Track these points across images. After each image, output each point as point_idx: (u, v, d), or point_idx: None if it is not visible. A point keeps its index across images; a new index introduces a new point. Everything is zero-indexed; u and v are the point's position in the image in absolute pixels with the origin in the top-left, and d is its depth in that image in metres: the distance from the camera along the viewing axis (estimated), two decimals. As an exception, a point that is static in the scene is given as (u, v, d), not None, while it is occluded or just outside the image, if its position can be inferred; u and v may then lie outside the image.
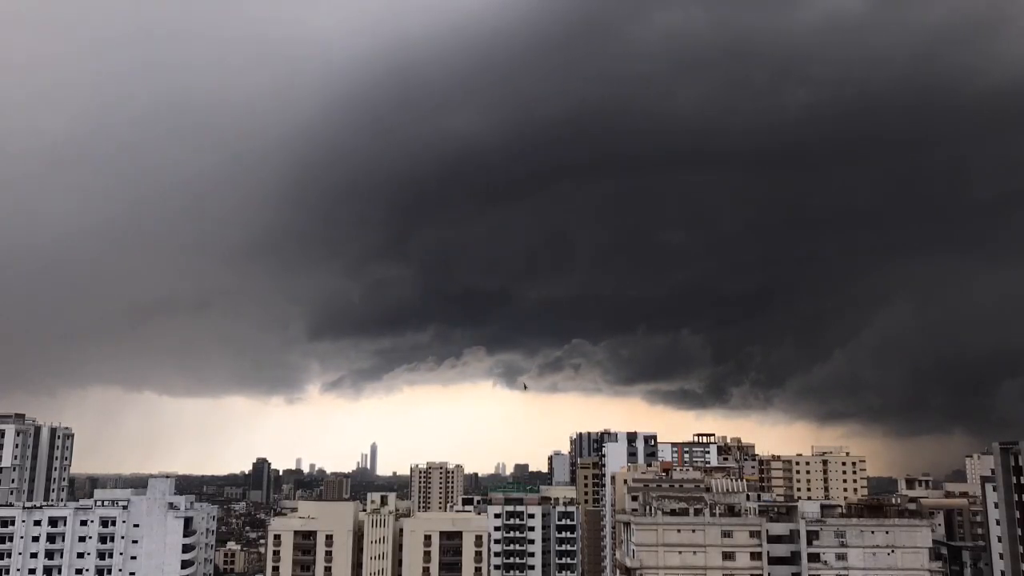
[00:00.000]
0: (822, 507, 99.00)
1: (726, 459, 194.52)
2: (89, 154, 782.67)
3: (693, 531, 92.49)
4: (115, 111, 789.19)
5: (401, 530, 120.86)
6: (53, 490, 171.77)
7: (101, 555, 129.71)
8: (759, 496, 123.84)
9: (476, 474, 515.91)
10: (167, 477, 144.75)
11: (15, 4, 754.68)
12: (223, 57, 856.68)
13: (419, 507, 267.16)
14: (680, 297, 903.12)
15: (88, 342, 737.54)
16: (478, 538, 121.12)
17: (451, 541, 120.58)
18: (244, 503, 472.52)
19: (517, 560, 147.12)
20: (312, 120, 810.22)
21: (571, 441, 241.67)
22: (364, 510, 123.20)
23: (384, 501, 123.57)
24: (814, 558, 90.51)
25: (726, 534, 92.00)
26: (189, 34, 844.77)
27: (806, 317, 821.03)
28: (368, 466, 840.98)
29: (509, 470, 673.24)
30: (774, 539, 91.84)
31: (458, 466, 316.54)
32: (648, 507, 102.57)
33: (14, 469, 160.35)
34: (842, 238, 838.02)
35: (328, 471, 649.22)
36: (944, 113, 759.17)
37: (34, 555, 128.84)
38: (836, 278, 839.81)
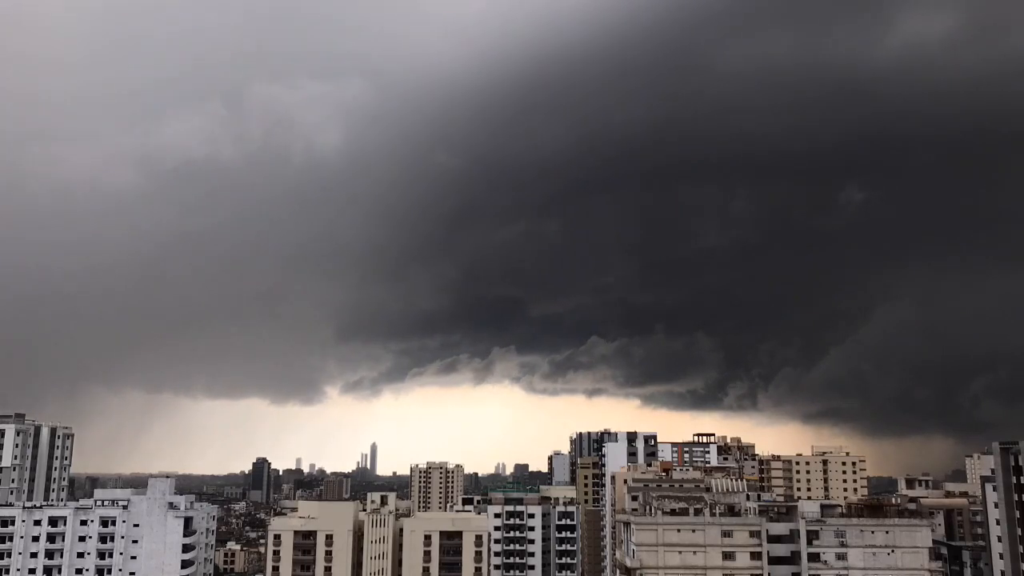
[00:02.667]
0: (822, 507, 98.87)
1: (726, 459, 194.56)
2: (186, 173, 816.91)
3: (693, 531, 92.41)
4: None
5: (401, 530, 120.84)
6: (53, 490, 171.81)
7: (101, 555, 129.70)
8: (759, 496, 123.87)
9: (476, 474, 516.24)
10: (167, 477, 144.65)
11: (132, 29, 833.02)
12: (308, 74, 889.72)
13: (419, 507, 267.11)
14: (700, 302, 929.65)
15: (126, 347, 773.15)
16: (478, 538, 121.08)
17: (451, 541, 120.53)
18: (244, 503, 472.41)
19: (517, 560, 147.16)
20: (368, 135, 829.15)
21: (571, 441, 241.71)
22: (364, 510, 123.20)
23: (384, 501, 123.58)
24: (814, 558, 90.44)
25: (726, 534, 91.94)
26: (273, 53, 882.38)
27: (811, 323, 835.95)
28: (368, 466, 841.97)
29: (509, 470, 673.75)
30: (774, 539, 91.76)
31: (458, 466, 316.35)
32: (648, 507, 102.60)
33: (14, 469, 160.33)
34: (861, 247, 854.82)
35: (328, 471, 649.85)
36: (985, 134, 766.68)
37: (34, 555, 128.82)
38: (843, 286, 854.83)
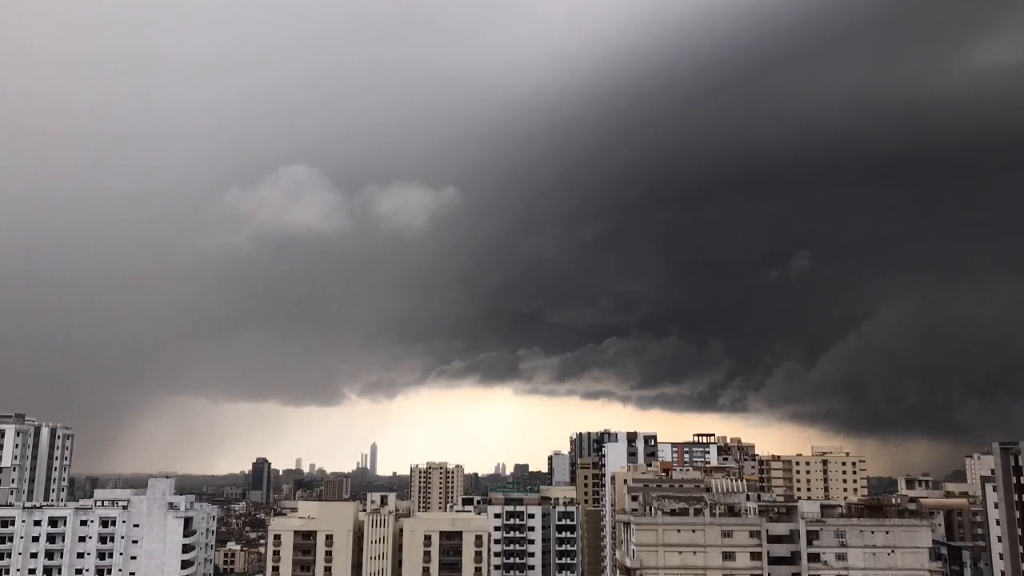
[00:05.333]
0: (822, 507, 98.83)
1: (726, 459, 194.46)
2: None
3: (693, 531, 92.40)
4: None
5: (401, 530, 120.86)
6: (53, 490, 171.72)
7: (101, 555, 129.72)
8: (759, 496, 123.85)
9: (476, 474, 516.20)
10: (167, 477, 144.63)
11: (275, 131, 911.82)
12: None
13: (419, 507, 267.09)
14: (715, 309, 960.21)
15: (162, 352, 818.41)
16: (478, 538, 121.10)
17: (451, 541, 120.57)
18: (244, 503, 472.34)
19: (517, 560, 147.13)
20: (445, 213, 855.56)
21: (571, 441, 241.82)
22: (364, 510, 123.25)
23: (384, 501, 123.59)
24: (814, 558, 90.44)
25: (726, 534, 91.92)
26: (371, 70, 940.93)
27: (814, 328, 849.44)
28: (368, 466, 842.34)
29: (509, 470, 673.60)
30: (774, 539, 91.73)
31: (458, 466, 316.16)
32: (648, 507, 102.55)
33: (14, 469, 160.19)
34: (870, 259, 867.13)
35: (328, 471, 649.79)
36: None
37: (34, 555, 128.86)
38: (849, 292, 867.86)
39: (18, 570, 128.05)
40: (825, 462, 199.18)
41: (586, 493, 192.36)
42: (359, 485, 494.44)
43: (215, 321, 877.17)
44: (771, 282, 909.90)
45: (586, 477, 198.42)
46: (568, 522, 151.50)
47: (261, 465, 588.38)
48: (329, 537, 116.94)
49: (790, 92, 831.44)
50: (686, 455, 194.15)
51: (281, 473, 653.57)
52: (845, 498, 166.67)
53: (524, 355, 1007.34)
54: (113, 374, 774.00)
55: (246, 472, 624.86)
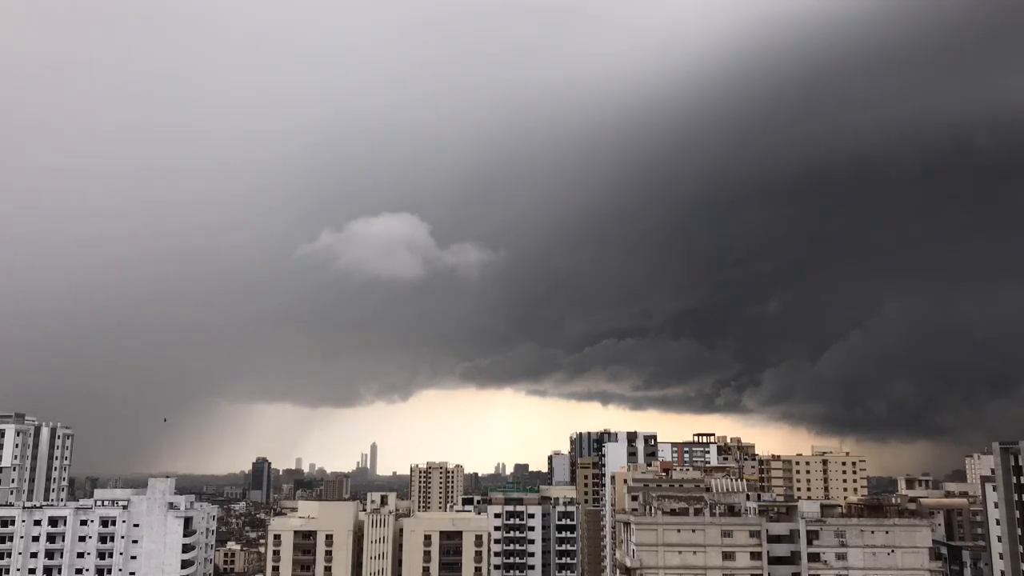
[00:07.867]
0: (822, 507, 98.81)
1: (726, 459, 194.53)
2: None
3: (693, 531, 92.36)
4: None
5: (401, 530, 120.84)
6: (53, 490, 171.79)
7: (101, 555, 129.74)
8: (759, 496, 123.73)
9: (476, 474, 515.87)
10: (167, 477, 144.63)
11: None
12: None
13: (419, 507, 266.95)
14: (721, 313, 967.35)
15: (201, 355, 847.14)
16: (478, 538, 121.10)
17: (451, 541, 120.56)
18: (244, 503, 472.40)
19: (517, 560, 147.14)
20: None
21: (571, 441, 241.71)
22: (364, 510, 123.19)
23: (384, 501, 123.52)
24: (814, 558, 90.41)
25: (726, 534, 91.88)
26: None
27: (816, 336, 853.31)
28: (368, 466, 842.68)
29: (509, 470, 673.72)
30: (774, 539, 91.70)
31: (458, 466, 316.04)
32: (648, 507, 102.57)
33: (14, 469, 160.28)
34: (876, 263, 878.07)
35: (328, 471, 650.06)
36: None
37: (34, 555, 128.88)
38: (850, 299, 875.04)
39: (18, 570, 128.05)
40: (825, 462, 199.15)
41: (586, 493, 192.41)
42: (359, 485, 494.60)
43: (248, 328, 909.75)
44: (782, 285, 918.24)
45: (586, 477, 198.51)
46: (568, 522, 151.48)
47: (261, 465, 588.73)
48: (329, 537, 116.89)
49: (821, 110, 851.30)
50: (686, 455, 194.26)
51: (281, 473, 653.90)
52: (845, 498, 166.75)
53: (545, 355, 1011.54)
54: (142, 380, 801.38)
55: (246, 472, 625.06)
